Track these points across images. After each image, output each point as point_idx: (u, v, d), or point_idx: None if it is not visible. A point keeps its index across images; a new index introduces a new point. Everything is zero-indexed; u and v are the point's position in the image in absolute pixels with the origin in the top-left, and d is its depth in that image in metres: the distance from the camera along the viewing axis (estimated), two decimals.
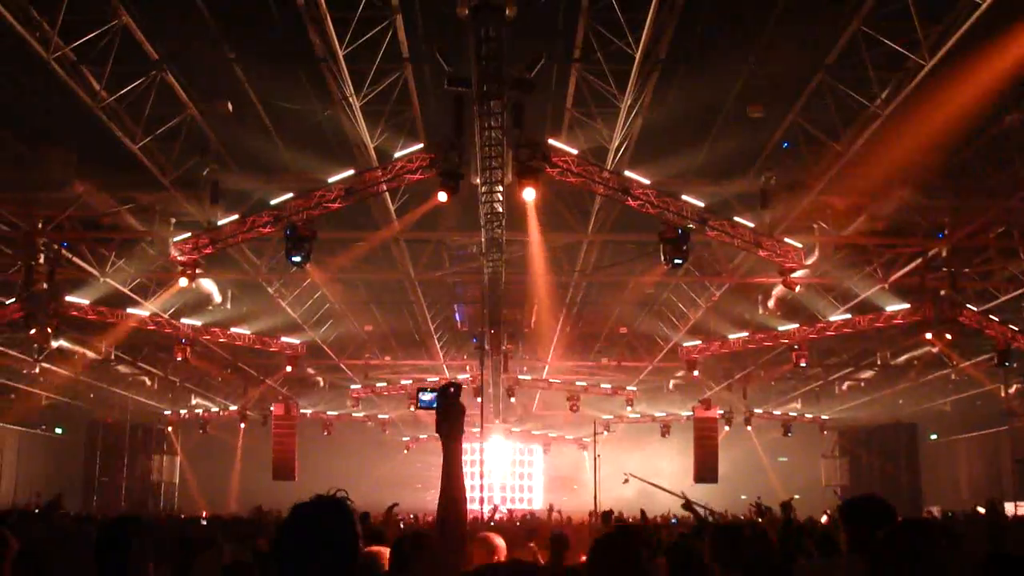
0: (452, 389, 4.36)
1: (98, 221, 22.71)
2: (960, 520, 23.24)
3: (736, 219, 20.01)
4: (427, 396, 4.53)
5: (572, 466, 51.84)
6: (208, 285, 25.89)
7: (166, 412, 46.72)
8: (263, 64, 16.63)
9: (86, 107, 16.01)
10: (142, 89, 16.59)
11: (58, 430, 47.64)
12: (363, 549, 3.91)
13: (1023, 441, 35.90)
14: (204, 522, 15.75)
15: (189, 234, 20.52)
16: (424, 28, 15.80)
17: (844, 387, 41.72)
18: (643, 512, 22.55)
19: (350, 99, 16.24)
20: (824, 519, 9.95)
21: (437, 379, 37.03)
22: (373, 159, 18.35)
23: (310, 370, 38.62)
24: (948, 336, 25.49)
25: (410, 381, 38.81)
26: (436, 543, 4.24)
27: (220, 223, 20.04)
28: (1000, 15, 13.19)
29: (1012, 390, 35.04)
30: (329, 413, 45.23)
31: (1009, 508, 35.09)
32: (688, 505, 10.55)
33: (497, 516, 28.31)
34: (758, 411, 43.49)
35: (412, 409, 40.54)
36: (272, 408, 39.41)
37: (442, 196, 17.37)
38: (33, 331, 24.49)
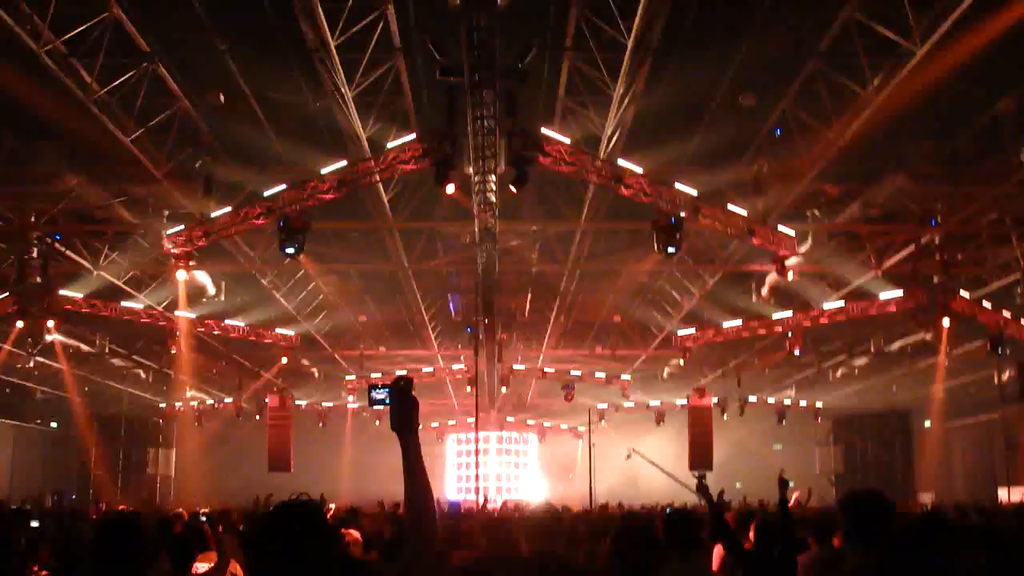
0: (403, 383, 4.31)
1: (91, 214, 22.67)
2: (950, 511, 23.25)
3: (729, 207, 20.00)
4: (379, 394, 4.36)
5: (567, 455, 51.91)
6: (202, 277, 25.85)
7: (161, 405, 46.67)
8: (255, 55, 16.61)
9: (78, 100, 15.98)
10: (134, 82, 16.60)
11: (53, 424, 47.62)
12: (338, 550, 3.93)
13: (1015, 427, 35.94)
14: (203, 516, 15.70)
15: (182, 226, 20.49)
16: (416, 18, 15.79)
17: (838, 374, 41.74)
18: None
19: (342, 90, 16.22)
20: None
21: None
22: (366, 150, 18.34)
23: (304, 361, 38.63)
24: (947, 322, 25.55)
25: (405, 371, 38.77)
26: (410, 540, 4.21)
27: (213, 215, 20.02)
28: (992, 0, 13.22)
29: (1005, 376, 35.10)
30: (324, 404, 45.22)
31: (1002, 494, 35.24)
32: (702, 487, 10.45)
33: (490, 507, 28.31)
34: (752, 399, 43.49)
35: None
36: (267, 400, 39.37)
37: (450, 188, 17.46)
38: (23, 324, 24.50)
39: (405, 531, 4.28)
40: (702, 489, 9.95)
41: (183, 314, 27.43)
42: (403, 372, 38.43)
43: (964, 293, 25.65)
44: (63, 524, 18.32)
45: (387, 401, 4.31)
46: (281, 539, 3.76)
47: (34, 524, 11.87)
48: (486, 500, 29.98)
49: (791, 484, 9.49)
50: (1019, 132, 17.87)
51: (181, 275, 21.62)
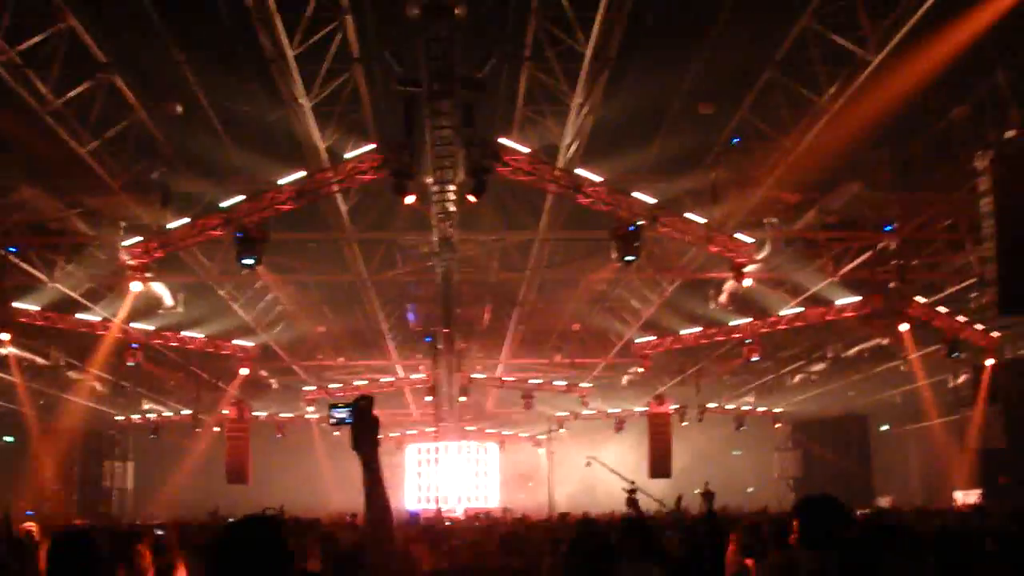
0: (364, 402, 4.29)
1: (46, 226, 22.44)
2: (908, 514, 23.48)
3: (687, 215, 20.10)
4: (340, 412, 4.32)
5: (528, 464, 51.88)
6: (159, 289, 25.64)
7: (117, 417, 46.23)
8: (212, 66, 16.52)
9: (33, 111, 15.84)
10: (90, 92, 16.45)
11: (8, 438, 47.04)
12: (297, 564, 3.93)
13: (972, 430, 36.24)
14: (160, 530, 15.57)
15: (139, 238, 20.33)
16: (375, 28, 15.77)
17: (796, 380, 42.01)
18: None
19: (300, 100, 16.17)
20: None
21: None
22: (324, 160, 18.29)
23: (263, 372, 38.40)
24: (906, 326, 25.83)
25: (365, 382, 38.70)
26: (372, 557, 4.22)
27: (170, 226, 19.89)
28: (946, 9, 13.37)
29: (961, 380, 35.46)
30: (283, 415, 44.97)
31: (958, 496, 35.56)
32: (632, 501, 10.62)
33: (449, 516, 28.35)
34: (711, 405, 43.64)
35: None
36: (225, 411, 39.13)
37: (410, 199, 17.46)
38: None
39: (366, 545, 4.29)
40: (632, 504, 10.06)
41: (138, 326, 27.29)
42: (363, 382, 38.45)
43: (920, 298, 25.90)
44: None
45: (348, 420, 4.27)
46: (239, 553, 3.75)
47: None
48: (439, 510, 30.08)
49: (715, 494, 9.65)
50: (972, 138, 18.06)
51: (136, 286, 21.40)
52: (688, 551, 8.75)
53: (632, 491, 10.40)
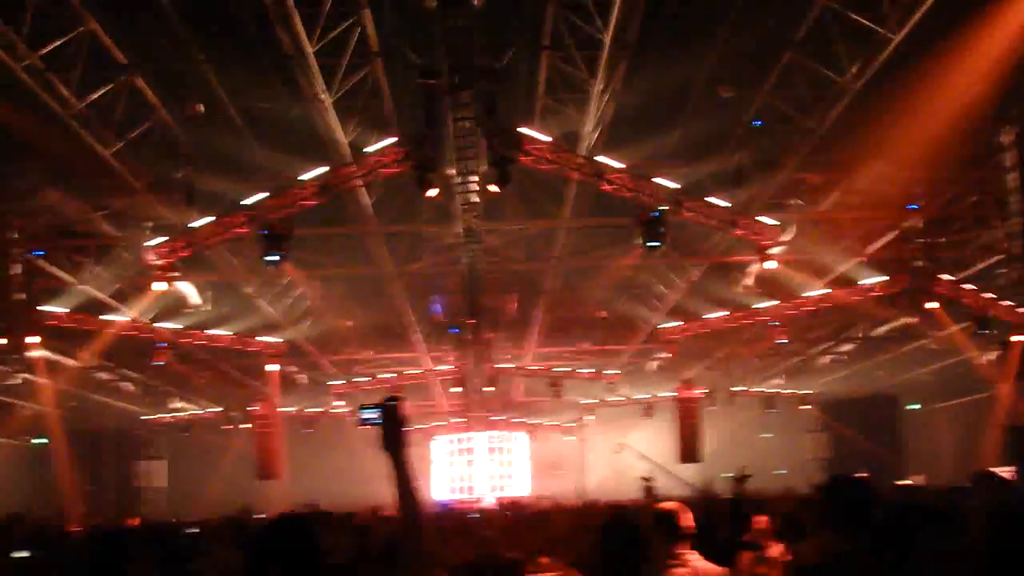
0: (392, 402, 4.32)
1: (72, 228, 22.56)
2: (944, 493, 23.33)
3: (710, 199, 20.05)
4: (369, 413, 4.36)
5: (558, 452, 51.89)
6: (185, 288, 25.74)
7: (148, 417, 46.46)
8: (233, 64, 16.57)
9: (56, 114, 15.92)
10: (112, 94, 16.52)
11: (42, 440, 47.36)
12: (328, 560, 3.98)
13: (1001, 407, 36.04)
14: (195, 528, 15.68)
15: (165, 238, 20.43)
16: (393, 21, 15.79)
17: (825, 361, 41.82)
18: None
19: (321, 96, 16.22)
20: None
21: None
22: (347, 155, 18.33)
23: (292, 368, 38.50)
24: (936, 304, 25.72)
25: (393, 375, 38.75)
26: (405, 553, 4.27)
27: (195, 225, 19.97)
28: None
29: (991, 358, 35.21)
30: (312, 410, 45.06)
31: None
32: (648, 489, 10.74)
33: (485, 505, 28.37)
34: (740, 389, 43.54)
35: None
36: (255, 408, 39.22)
37: (432, 192, 17.50)
38: (7, 342, 24.34)
39: (400, 541, 4.34)
40: (649, 492, 10.11)
41: (166, 325, 27.44)
42: (390, 375, 38.50)
43: (947, 276, 25.76)
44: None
45: (377, 420, 4.31)
46: (271, 552, 3.81)
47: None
48: (468, 500, 30.17)
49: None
50: (996, 114, 17.96)
51: (161, 286, 21.48)
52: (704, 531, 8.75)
53: (648, 478, 10.50)
